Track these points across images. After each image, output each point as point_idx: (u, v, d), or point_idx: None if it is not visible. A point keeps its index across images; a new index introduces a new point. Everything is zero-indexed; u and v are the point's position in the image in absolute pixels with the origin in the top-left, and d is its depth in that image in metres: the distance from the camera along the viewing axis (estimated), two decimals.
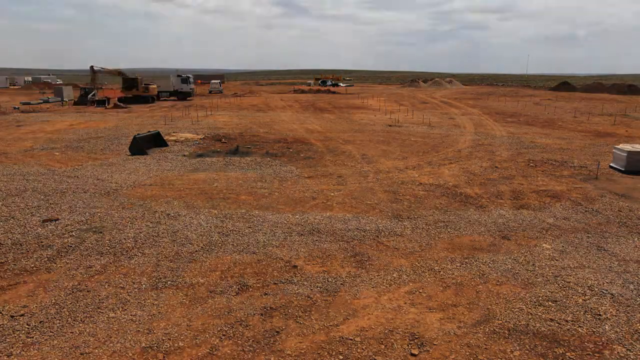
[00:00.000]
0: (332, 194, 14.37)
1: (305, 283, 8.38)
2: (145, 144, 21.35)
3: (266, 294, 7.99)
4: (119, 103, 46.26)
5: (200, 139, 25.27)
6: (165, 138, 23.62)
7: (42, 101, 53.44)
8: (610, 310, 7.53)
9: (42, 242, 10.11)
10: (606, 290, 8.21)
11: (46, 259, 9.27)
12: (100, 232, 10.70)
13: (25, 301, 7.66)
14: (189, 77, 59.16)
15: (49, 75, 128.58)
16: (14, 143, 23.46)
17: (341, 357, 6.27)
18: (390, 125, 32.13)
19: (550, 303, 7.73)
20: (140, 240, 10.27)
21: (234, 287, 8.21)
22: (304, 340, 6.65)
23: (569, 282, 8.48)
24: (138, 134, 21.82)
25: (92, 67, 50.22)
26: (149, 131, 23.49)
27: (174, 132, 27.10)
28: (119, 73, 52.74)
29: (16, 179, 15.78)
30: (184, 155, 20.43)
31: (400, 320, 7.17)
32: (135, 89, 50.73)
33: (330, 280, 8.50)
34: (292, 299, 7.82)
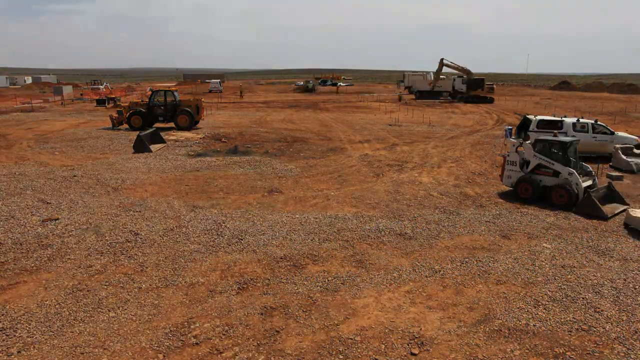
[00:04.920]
0: (332, 193, 14.37)
1: (305, 282, 8.38)
2: (147, 141, 21.54)
3: (266, 293, 7.99)
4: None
5: (200, 138, 25.27)
6: (165, 137, 23.73)
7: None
8: (611, 309, 7.53)
9: (42, 241, 10.11)
10: (606, 289, 8.21)
11: (46, 258, 9.27)
12: (100, 232, 10.70)
13: (25, 301, 7.66)
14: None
15: (49, 74, 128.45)
16: (15, 142, 23.44)
17: (341, 357, 6.27)
18: (390, 125, 32.11)
19: (550, 302, 7.73)
20: (140, 240, 10.27)
21: (234, 286, 8.21)
22: (304, 339, 6.66)
23: (569, 281, 8.48)
24: (141, 133, 21.98)
25: (442, 59, 52.19)
26: (148, 129, 23.62)
27: (173, 132, 27.10)
28: (467, 72, 53.68)
29: (16, 178, 15.77)
30: (184, 155, 20.43)
31: (400, 320, 7.17)
32: (480, 89, 51.89)
33: (330, 279, 8.50)
34: (292, 298, 7.82)
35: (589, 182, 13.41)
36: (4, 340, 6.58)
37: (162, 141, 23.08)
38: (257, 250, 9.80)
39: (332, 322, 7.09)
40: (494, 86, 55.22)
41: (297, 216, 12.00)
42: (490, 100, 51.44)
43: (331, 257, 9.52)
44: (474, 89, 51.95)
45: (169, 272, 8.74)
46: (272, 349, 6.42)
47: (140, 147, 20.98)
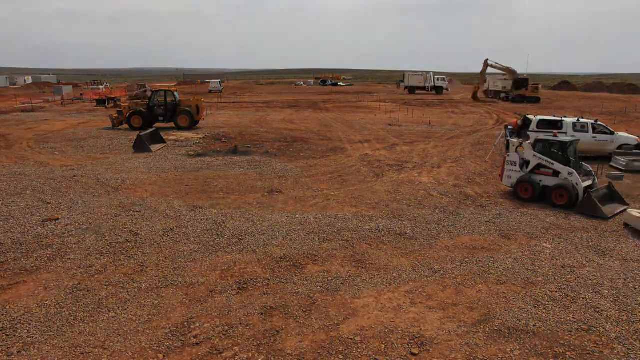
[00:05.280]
0: (332, 193, 14.37)
1: (305, 282, 8.38)
2: (147, 141, 21.62)
3: (266, 293, 7.99)
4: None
5: (200, 138, 25.28)
6: (165, 137, 23.76)
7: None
8: (611, 309, 7.53)
9: (42, 241, 10.11)
10: (606, 289, 8.21)
11: (46, 258, 9.27)
12: (100, 232, 10.70)
13: (25, 301, 7.66)
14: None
15: (49, 74, 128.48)
16: (15, 142, 23.44)
17: (341, 357, 6.27)
18: (390, 125, 32.12)
19: (550, 302, 7.73)
20: (140, 240, 10.27)
21: (234, 286, 8.21)
22: (304, 339, 6.65)
23: (569, 281, 8.48)
24: (141, 132, 22.02)
25: (486, 60, 53.07)
26: (148, 129, 23.66)
27: (174, 132, 27.10)
28: (511, 72, 53.24)
29: (16, 178, 15.78)
30: (184, 155, 20.43)
31: (400, 320, 7.17)
32: (524, 89, 51.67)
33: (330, 279, 8.50)
34: (292, 298, 7.82)
35: (589, 182, 13.40)
36: (4, 340, 6.58)
37: (162, 141, 23.12)
38: (257, 250, 9.80)
39: (332, 322, 7.09)
40: (539, 86, 54.99)
41: (297, 216, 12.00)
42: (537, 100, 50.72)
43: (331, 257, 9.52)
44: (518, 88, 51.90)
45: (169, 272, 8.74)
46: (272, 349, 6.42)
47: (141, 147, 21.03)
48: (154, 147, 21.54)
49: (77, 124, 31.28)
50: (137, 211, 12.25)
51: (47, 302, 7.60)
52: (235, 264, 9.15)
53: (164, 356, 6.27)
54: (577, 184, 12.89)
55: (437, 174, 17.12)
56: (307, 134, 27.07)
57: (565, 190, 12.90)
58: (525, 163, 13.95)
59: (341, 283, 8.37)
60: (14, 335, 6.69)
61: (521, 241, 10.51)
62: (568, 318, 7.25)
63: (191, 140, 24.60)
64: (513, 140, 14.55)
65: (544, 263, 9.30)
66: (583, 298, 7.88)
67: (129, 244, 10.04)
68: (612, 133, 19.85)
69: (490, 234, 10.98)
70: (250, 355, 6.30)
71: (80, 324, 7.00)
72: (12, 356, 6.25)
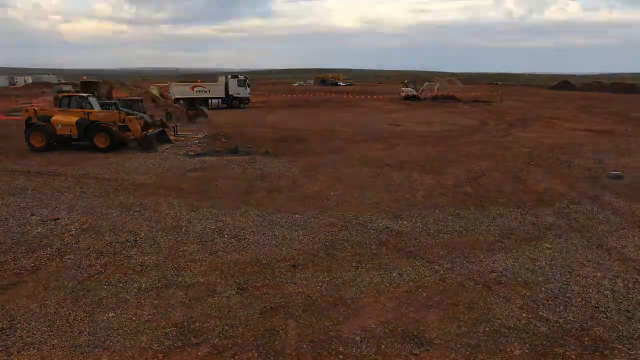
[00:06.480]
0: (332, 193, 14.36)
1: (305, 282, 8.38)
2: (154, 141, 21.86)
3: (266, 293, 7.99)
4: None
5: (200, 138, 25.30)
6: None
7: None
8: (611, 309, 7.53)
9: (42, 241, 10.11)
10: (607, 289, 8.21)
11: (46, 258, 9.27)
12: (100, 232, 10.70)
13: (25, 301, 7.66)
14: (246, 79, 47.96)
15: (50, 74, 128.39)
16: (16, 142, 23.44)
17: (341, 357, 6.27)
18: (390, 125, 32.14)
19: (550, 302, 7.73)
20: (140, 240, 10.27)
21: (234, 286, 8.21)
22: (304, 339, 6.65)
23: (569, 282, 8.48)
24: (148, 132, 22.16)
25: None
26: (154, 129, 23.86)
27: (171, 133, 27.09)
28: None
29: (17, 178, 15.78)
30: (184, 155, 20.45)
31: (400, 320, 7.17)
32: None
33: (330, 279, 8.50)
34: (292, 298, 7.82)
35: None
36: (4, 340, 6.58)
37: (169, 141, 23.42)
38: (257, 250, 9.80)
39: (332, 322, 7.09)
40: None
41: (297, 216, 12.00)
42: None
43: (331, 257, 9.52)
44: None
45: (169, 272, 8.74)
46: (272, 349, 6.42)
47: (148, 146, 21.25)
48: (161, 148, 21.86)
49: None
50: (137, 211, 12.25)
51: (47, 302, 7.60)
52: (235, 264, 9.15)
53: (164, 356, 6.27)
54: None
55: (437, 174, 17.11)
56: (307, 134, 27.08)
57: None
58: None
59: (341, 283, 8.37)
60: (14, 335, 6.69)
61: (521, 241, 10.51)
62: (568, 318, 7.25)
63: (191, 140, 24.62)
64: None
65: (544, 263, 9.30)
66: (583, 298, 7.88)
67: (129, 244, 10.04)
68: None
69: (490, 234, 10.98)
70: (250, 355, 6.30)
71: (80, 324, 6.99)
72: (12, 356, 6.25)
